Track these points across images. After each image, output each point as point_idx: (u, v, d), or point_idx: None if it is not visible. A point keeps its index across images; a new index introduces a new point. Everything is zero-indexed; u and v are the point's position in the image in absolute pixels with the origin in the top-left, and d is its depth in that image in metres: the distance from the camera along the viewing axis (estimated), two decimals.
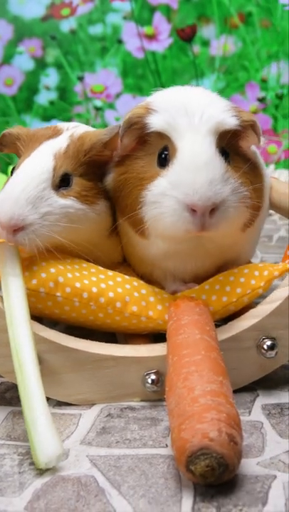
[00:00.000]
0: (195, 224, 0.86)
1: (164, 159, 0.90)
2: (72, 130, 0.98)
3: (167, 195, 0.87)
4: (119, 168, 0.95)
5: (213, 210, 0.86)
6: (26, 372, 0.79)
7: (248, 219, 0.93)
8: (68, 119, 2.53)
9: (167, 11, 2.42)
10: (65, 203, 0.91)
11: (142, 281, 0.96)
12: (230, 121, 0.90)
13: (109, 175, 0.97)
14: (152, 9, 2.41)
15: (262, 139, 0.94)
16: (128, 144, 0.94)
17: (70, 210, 0.92)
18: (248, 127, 0.92)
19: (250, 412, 0.87)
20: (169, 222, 0.87)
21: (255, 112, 2.40)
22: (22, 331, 0.83)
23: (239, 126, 0.91)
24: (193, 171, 0.85)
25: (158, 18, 2.36)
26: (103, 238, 0.98)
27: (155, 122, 0.89)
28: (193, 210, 0.85)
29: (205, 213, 0.85)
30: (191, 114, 0.89)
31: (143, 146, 0.93)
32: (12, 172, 0.95)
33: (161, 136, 0.90)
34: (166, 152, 0.90)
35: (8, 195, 0.89)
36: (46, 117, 2.57)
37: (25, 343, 0.82)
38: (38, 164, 0.92)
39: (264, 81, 2.41)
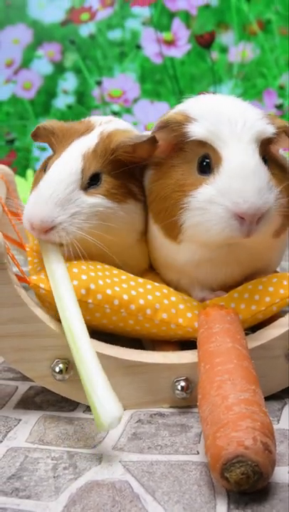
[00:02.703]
0: (242, 231, 0.88)
1: (205, 166, 0.91)
2: (103, 126, 1.00)
3: (214, 203, 0.88)
4: (154, 175, 0.97)
5: (260, 217, 0.87)
6: (81, 345, 0.83)
7: (280, 226, 0.94)
8: None
9: (186, 17, 2.43)
10: (94, 201, 0.94)
11: (171, 289, 0.97)
12: (270, 129, 0.92)
13: (145, 176, 1.00)
14: (171, 15, 2.42)
15: None
16: (162, 146, 0.95)
17: (100, 209, 0.94)
18: (282, 133, 0.94)
19: (278, 420, 0.88)
20: (215, 230, 0.89)
21: None
22: (71, 309, 0.86)
23: (275, 134, 0.92)
24: (242, 180, 0.87)
25: (177, 24, 2.37)
26: (134, 241, 1.00)
27: (197, 131, 0.91)
28: (241, 218, 0.87)
29: (253, 221, 0.87)
30: (233, 122, 0.90)
31: (179, 154, 0.94)
32: (45, 170, 0.98)
33: (200, 144, 0.91)
34: (207, 160, 0.91)
35: (38, 198, 0.93)
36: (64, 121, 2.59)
37: (77, 320, 0.85)
38: (67, 166, 0.94)
39: (282, 88, 2.42)
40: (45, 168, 0.99)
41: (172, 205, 0.92)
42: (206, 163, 0.91)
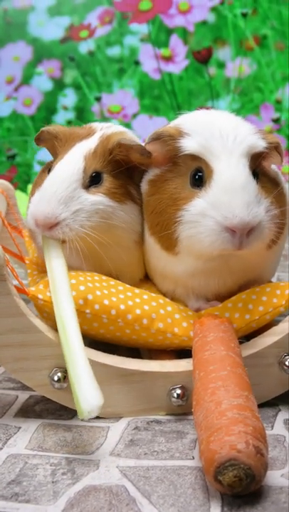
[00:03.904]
0: (233, 243, 0.90)
1: (198, 180, 0.94)
2: (104, 130, 1.04)
3: (206, 216, 0.90)
4: (150, 189, 0.99)
5: (250, 230, 0.90)
6: (70, 338, 0.87)
7: (274, 237, 0.97)
8: None
9: (184, 33, 2.47)
10: (95, 199, 0.98)
11: (167, 299, 1.00)
12: (261, 144, 0.94)
13: (141, 182, 1.03)
14: (169, 32, 2.45)
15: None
16: (157, 158, 0.98)
17: (100, 207, 0.98)
18: (273, 148, 0.96)
19: (272, 427, 0.90)
20: (207, 242, 0.91)
21: (269, 133, 2.43)
22: (65, 302, 0.90)
23: (266, 148, 0.95)
24: (231, 193, 0.89)
25: (174, 40, 2.41)
26: (132, 244, 1.03)
27: (190, 145, 0.93)
28: (232, 231, 0.89)
29: (243, 234, 0.89)
30: (224, 136, 0.92)
31: (173, 168, 0.97)
32: (49, 171, 1.02)
33: (193, 157, 0.94)
34: (200, 173, 0.93)
35: (42, 197, 0.97)
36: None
37: (69, 315, 0.89)
38: (69, 166, 0.99)
39: (278, 102, 2.45)
40: (49, 169, 1.02)
41: (167, 219, 0.95)
42: (199, 176, 0.93)
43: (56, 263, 0.95)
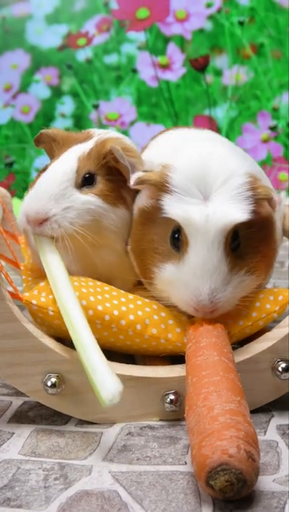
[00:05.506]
0: (197, 315, 0.93)
1: (176, 240, 0.94)
2: (101, 136, 1.07)
3: (176, 286, 0.93)
4: (139, 217, 1.01)
5: (214, 310, 0.92)
6: (79, 329, 0.87)
7: (263, 279, 1.00)
8: None
9: (181, 41, 2.48)
10: (87, 198, 1.00)
11: (161, 305, 1.00)
12: (241, 217, 0.91)
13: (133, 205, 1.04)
14: (166, 40, 2.47)
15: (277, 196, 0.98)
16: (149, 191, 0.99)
17: (92, 207, 1.00)
18: (264, 201, 0.95)
19: (265, 432, 0.90)
20: (177, 303, 0.95)
21: (266, 140, 2.45)
22: (68, 296, 0.91)
23: (253, 214, 0.92)
24: (199, 279, 0.90)
25: (172, 48, 2.42)
26: (123, 250, 1.04)
27: (171, 212, 0.92)
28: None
29: (205, 313, 0.92)
30: (205, 208, 0.91)
31: (161, 210, 0.94)
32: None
33: None
34: (178, 234, 0.93)
35: (34, 194, 1.00)
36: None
37: (73, 305, 0.90)
38: (63, 166, 1.01)
39: (275, 110, 2.46)
40: (44, 170, 1.04)
41: (146, 263, 0.98)
42: (177, 236, 0.93)
43: (51, 257, 0.97)
